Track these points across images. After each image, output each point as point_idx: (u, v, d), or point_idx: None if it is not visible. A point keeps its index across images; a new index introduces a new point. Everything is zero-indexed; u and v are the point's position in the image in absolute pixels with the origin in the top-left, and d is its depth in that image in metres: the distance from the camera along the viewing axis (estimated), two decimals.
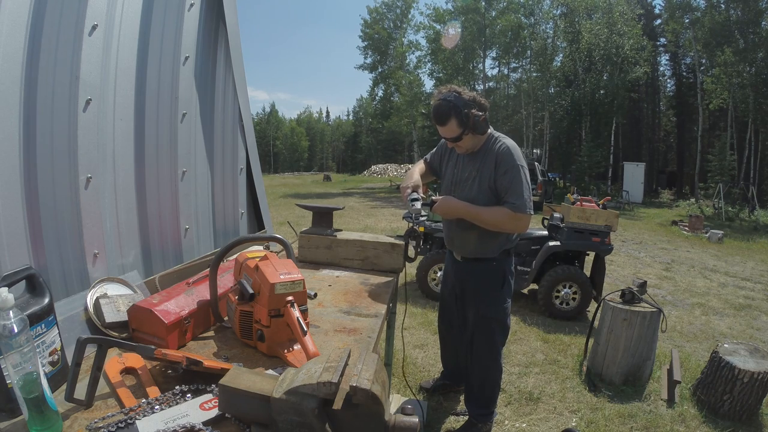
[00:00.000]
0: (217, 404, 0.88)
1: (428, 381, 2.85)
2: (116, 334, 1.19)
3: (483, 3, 23.61)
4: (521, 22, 23.09)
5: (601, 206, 4.40)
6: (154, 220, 1.74)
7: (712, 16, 18.60)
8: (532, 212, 1.97)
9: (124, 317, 1.22)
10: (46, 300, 0.94)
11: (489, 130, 2.09)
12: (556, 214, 4.50)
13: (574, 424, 2.54)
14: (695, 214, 12.04)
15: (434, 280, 4.61)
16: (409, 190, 2.02)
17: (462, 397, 2.63)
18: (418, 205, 1.94)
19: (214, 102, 2.13)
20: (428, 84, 30.10)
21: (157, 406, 0.90)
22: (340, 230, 2.15)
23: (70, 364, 0.91)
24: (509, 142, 2.05)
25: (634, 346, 2.92)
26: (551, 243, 4.27)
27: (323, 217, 2.14)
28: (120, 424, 0.83)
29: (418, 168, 2.28)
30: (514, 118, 26.15)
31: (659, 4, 26.66)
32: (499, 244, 2.13)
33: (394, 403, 2.48)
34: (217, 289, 1.28)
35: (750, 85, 17.77)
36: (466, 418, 2.40)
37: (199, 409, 0.89)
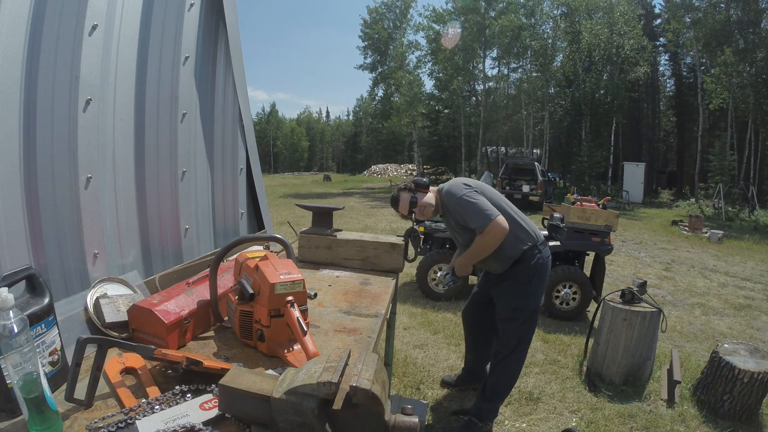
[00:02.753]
0: (217, 404, 0.88)
1: (450, 376, 2.96)
2: (116, 334, 1.19)
3: (483, 3, 23.58)
4: (521, 23, 23.05)
5: (601, 206, 4.40)
6: (154, 220, 1.74)
7: (713, 16, 18.58)
8: (493, 217, 2.07)
9: (124, 317, 1.22)
10: (46, 300, 0.94)
11: (439, 187, 2.33)
12: (556, 214, 4.49)
13: (574, 424, 2.54)
14: (695, 214, 12.03)
15: (434, 280, 4.61)
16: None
17: (462, 397, 2.64)
18: (449, 278, 2.41)
19: (214, 102, 2.12)
20: (428, 84, 30.08)
21: (157, 406, 0.90)
22: (340, 230, 2.15)
23: (70, 364, 0.91)
24: (447, 184, 2.30)
25: (634, 346, 2.92)
26: (551, 243, 4.26)
27: (323, 217, 2.14)
28: (120, 424, 0.83)
29: None
30: (514, 118, 26.11)
31: (659, 4, 26.66)
32: (510, 253, 2.22)
33: (394, 402, 2.48)
34: (217, 289, 1.28)
35: (750, 85, 17.72)
36: (467, 418, 2.40)
37: (199, 409, 0.89)
